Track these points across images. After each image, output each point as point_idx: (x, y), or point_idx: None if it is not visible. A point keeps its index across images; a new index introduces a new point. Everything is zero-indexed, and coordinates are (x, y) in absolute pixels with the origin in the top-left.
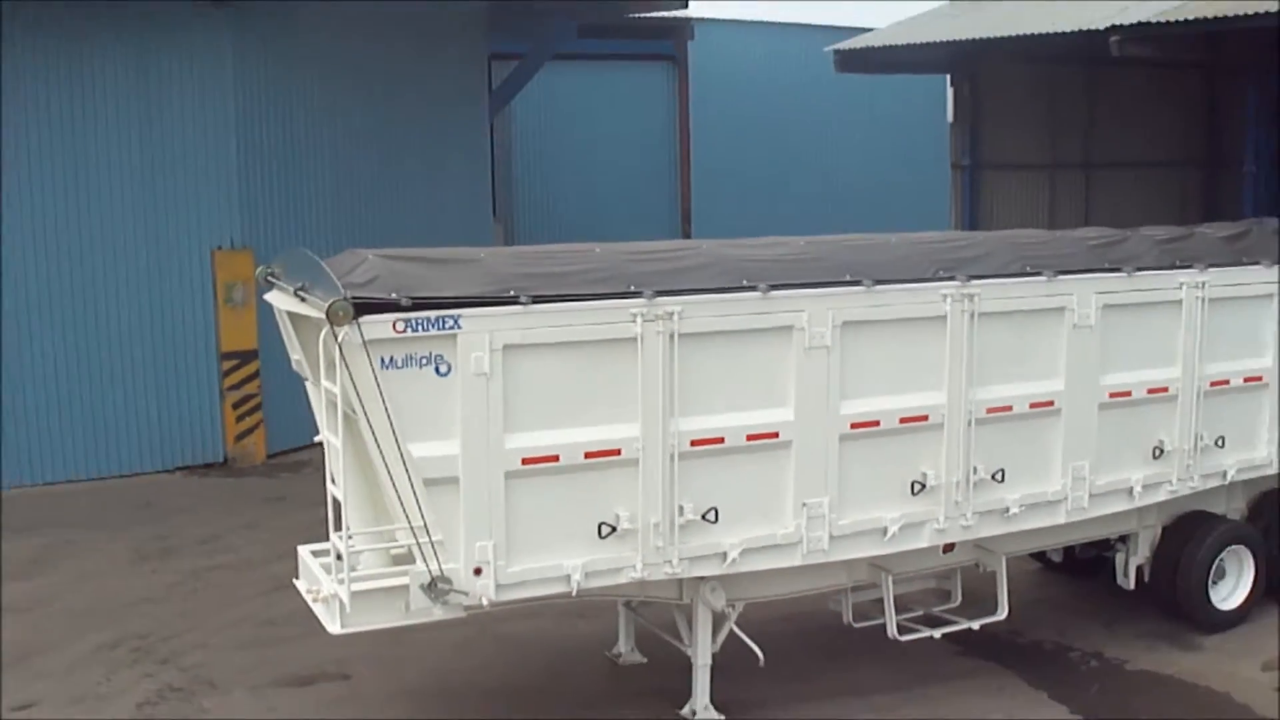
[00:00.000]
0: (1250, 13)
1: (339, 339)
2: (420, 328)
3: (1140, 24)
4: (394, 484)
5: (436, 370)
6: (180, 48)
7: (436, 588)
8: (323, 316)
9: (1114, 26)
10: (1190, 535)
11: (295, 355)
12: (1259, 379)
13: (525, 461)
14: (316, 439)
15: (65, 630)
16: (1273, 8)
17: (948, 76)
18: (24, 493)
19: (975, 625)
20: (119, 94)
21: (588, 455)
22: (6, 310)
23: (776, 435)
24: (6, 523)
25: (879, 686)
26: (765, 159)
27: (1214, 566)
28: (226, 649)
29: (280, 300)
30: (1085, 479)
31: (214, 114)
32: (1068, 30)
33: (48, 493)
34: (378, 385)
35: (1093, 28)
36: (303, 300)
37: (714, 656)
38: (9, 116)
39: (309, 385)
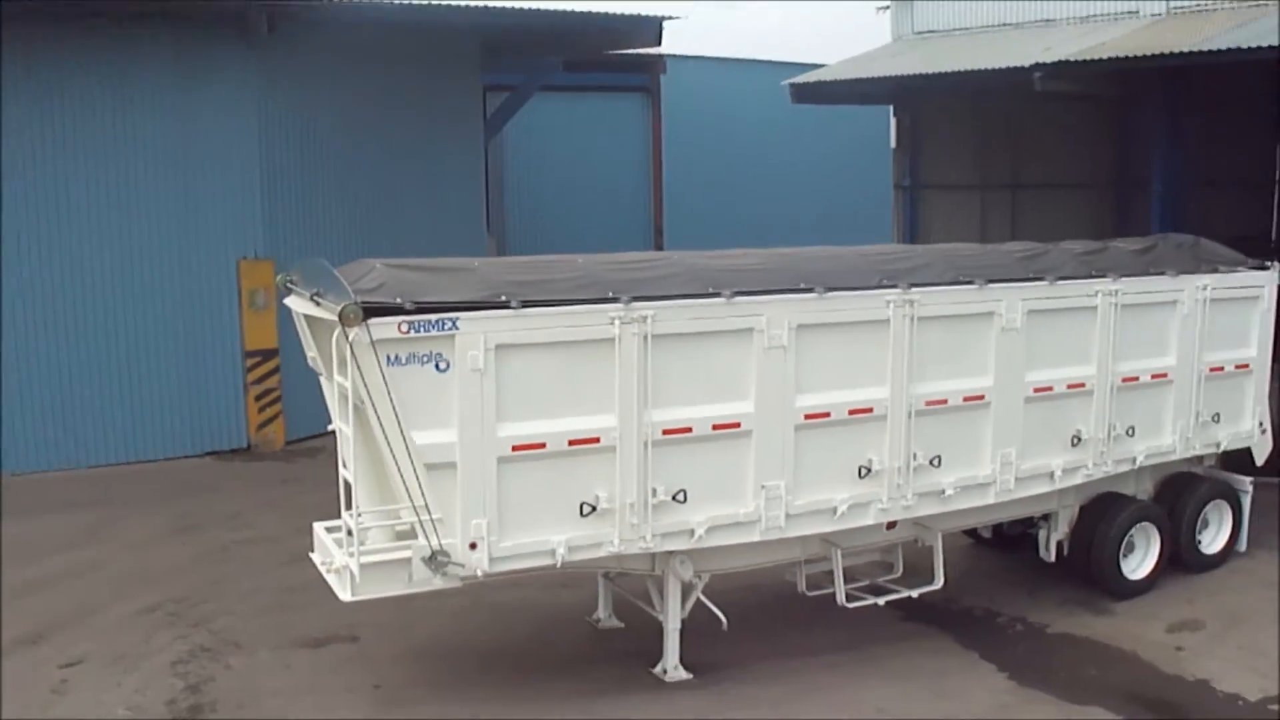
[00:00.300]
0: (1154, 53)
1: (350, 339)
2: (422, 329)
3: (1059, 63)
4: (399, 468)
5: (436, 367)
6: (213, 83)
7: (436, 560)
8: (335, 319)
9: (1036, 65)
10: (1104, 514)
11: (311, 353)
12: (1164, 375)
13: (515, 448)
14: (329, 428)
15: (110, 595)
16: (1173, 49)
17: (891, 107)
18: (72, 475)
19: (914, 593)
20: (160, 123)
21: (571, 443)
22: (56, 311)
23: (739, 425)
24: (59, 500)
25: (829, 648)
26: (729, 179)
27: (1124, 541)
28: (250, 614)
29: (298, 304)
30: (1012, 464)
31: (240, 141)
32: (996, 67)
33: (93, 475)
34: (384, 380)
35: (1018, 65)
36: (318, 304)
37: (683, 621)
38: (66, 142)
39: (323, 380)
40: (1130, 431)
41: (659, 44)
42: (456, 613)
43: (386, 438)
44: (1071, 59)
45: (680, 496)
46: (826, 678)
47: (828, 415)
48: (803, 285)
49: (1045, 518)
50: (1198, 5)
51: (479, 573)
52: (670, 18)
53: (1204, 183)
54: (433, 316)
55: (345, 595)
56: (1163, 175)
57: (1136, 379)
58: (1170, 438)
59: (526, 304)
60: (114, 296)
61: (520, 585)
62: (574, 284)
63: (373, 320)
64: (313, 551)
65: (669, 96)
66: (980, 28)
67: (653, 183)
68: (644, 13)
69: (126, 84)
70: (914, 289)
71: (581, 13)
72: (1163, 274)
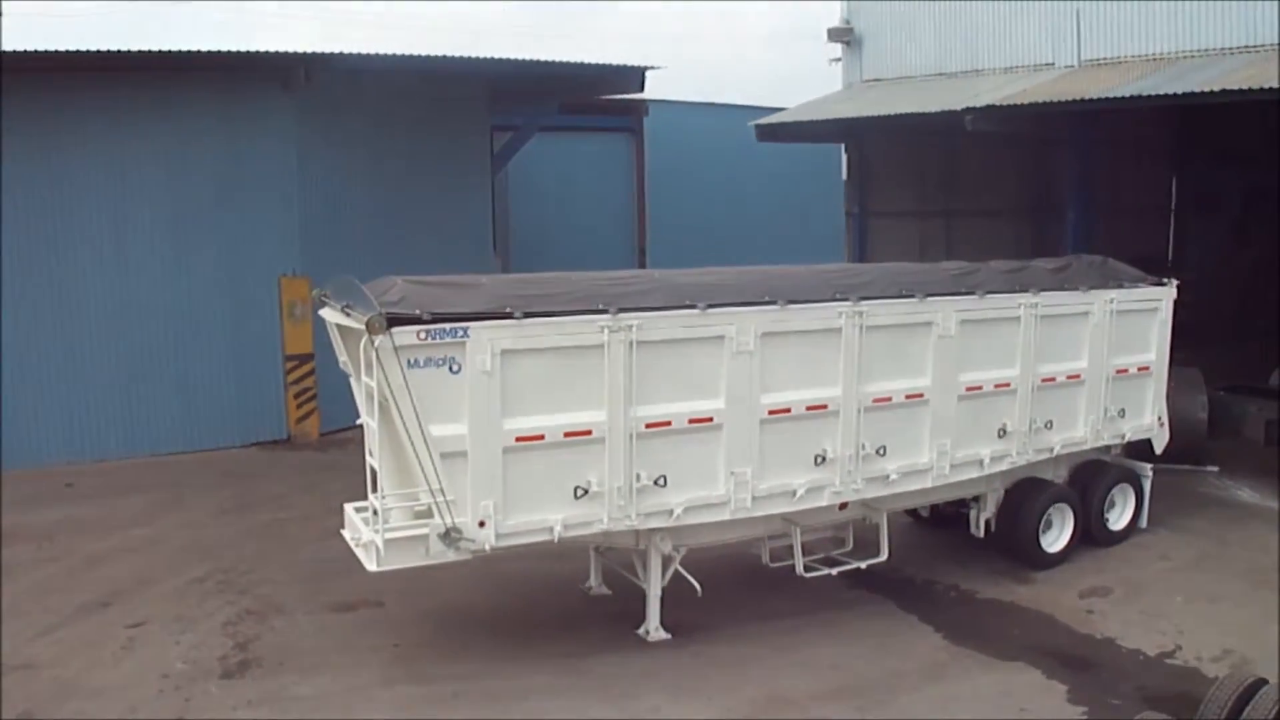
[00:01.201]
0: (1068, 99)
1: (376, 345)
2: (438, 336)
3: (987, 106)
4: (417, 456)
5: (450, 369)
6: (258, 125)
7: (450, 536)
8: (363, 328)
9: (968, 108)
10: (1026, 496)
11: (342, 357)
12: (1077, 376)
13: (518, 439)
14: (358, 422)
15: (170, 566)
16: (1084, 95)
17: (842, 145)
18: (135, 462)
19: (863, 565)
20: (213, 159)
21: (566, 435)
22: (130, 321)
23: (711, 419)
24: (125, 484)
25: (789, 612)
26: (703, 207)
27: (1043, 519)
28: (290, 582)
29: (331, 315)
30: (947, 453)
31: (281, 174)
32: (933, 110)
33: (153, 462)
34: (405, 380)
35: (952, 109)
36: (348, 315)
37: (663, 589)
38: (130, 177)
39: (352, 380)
40: (1048, 425)
41: (642, 90)
42: (467, 581)
43: (407, 430)
44: (997, 103)
45: (661, 481)
46: (787, 637)
47: (788, 411)
48: (767, 298)
49: (975, 499)
50: (1104, 59)
51: (487, 547)
52: (652, 68)
53: (1111, 210)
54: (447, 325)
55: (371, 566)
56: (1076, 203)
57: (1054, 379)
58: (1082, 430)
59: (528, 315)
60: (173, 308)
61: (522, 557)
62: (569, 297)
63: (395, 329)
64: (343, 528)
65: (651, 135)
66: (919, 76)
67: (637, 209)
68: (630, 63)
69: (184, 126)
70: (863, 302)
71: (576, 63)
72: (1076, 289)
